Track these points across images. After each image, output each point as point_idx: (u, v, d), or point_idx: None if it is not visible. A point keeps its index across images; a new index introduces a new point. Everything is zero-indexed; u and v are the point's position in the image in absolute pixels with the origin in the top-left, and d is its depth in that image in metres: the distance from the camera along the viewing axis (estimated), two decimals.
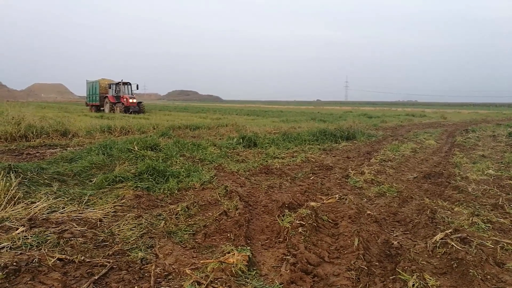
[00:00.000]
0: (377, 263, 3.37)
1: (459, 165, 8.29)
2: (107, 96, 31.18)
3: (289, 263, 3.20)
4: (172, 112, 34.24)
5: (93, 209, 4.45)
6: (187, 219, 4.36)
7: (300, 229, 3.81)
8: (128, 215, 4.30)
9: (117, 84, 30.67)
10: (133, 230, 3.92)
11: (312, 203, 4.79)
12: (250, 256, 3.27)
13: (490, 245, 3.74)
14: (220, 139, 11.19)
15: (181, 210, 4.53)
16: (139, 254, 3.33)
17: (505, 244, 3.82)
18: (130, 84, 30.91)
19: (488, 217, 4.62)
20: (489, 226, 4.35)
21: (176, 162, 7.04)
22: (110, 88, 31.23)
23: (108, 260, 3.17)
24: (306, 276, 3.02)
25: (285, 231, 3.88)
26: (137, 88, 31.41)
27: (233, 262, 3.10)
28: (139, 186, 5.36)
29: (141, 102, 31.21)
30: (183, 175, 6.12)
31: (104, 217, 4.23)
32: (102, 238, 3.68)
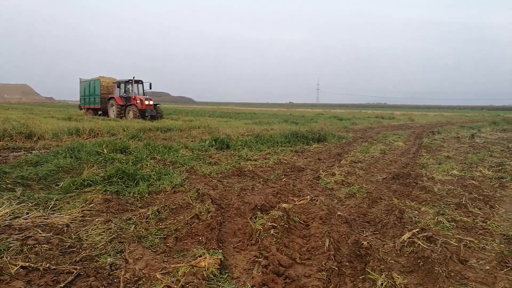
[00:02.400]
0: (347, 263, 3.43)
1: (425, 166, 8.56)
2: (112, 97, 25.41)
3: (261, 265, 3.21)
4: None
5: (60, 214, 4.31)
6: (158, 223, 4.29)
7: (272, 231, 3.83)
8: (96, 219, 4.19)
9: (127, 82, 25.00)
10: (102, 235, 3.82)
11: (284, 205, 4.82)
12: (222, 259, 3.26)
13: (454, 243, 3.89)
14: (192, 141, 11.10)
15: (151, 214, 4.45)
16: (108, 259, 3.25)
17: (468, 241, 3.98)
18: (142, 82, 25.41)
19: (452, 216, 4.80)
20: (453, 225, 4.51)
21: (147, 165, 6.92)
22: (118, 87, 25.22)
23: (75, 266, 3.08)
24: (277, 278, 3.04)
25: (257, 233, 3.89)
26: (150, 88, 25.70)
27: (205, 265, 3.08)
28: (108, 190, 5.23)
29: (157, 104, 25.61)
30: (153, 178, 6.03)
31: (71, 222, 4.10)
32: (69, 244, 3.57)
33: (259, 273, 3.09)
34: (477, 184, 6.76)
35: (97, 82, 27.23)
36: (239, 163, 8.09)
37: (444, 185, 6.57)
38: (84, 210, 4.47)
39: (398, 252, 3.73)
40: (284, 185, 6.35)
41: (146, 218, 4.37)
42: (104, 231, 3.91)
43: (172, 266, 3.20)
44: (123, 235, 3.86)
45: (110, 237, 3.77)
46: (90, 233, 3.86)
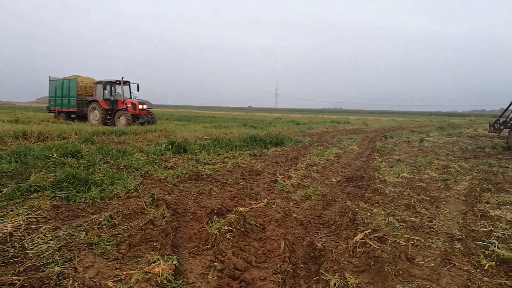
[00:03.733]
0: (302, 265, 3.48)
1: (378, 169, 8.89)
2: (93, 100, 22.01)
3: (216, 269, 3.19)
4: None
5: (2, 222, 4.05)
6: (111, 229, 4.15)
7: (228, 235, 3.82)
8: (43, 227, 3.98)
9: (114, 83, 21.95)
10: (49, 243, 3.64)
11: (241, 208, 4.83)
12: (176, 264, 3.21)
13: (403, 243, 4.07)
14: (147, 145, 10.84)
15: (104, 220, 4.30)
16: (56, 268, 3.10)
17: (415, 241, 4.18)
18: (129, 83, 22.23)
19: (402, 217, 5.02)
20: (403, 225, 4.72)
21: (100, 169, 6.68)
22: (104, 88, 21.88)
23: (18, 277, 2.90)
24: (233, 282, 3.03)
25: (213, 238, 3.87)
26: (138, 90, 22.31)
27: (159, 271, 3.01)
28: (57, 196, 5.00)
29: (150, 108, 23.22)
30: (106, 183, 5.83)
31: (15, 231, 3.87)
32: (12, 253, 3.36)
33: (214, 277, 3.07)
34: (425, 186, 7.12)
35: (73, 82, 23.56)
36: (197, 167, 8.01)
37: (395, 187, 6.85)
38: (30, 217, 4.24)
39: (351, 252, 3.84)
40: (241, 188, 6.36)
41: (98, 225, 4.21)
42: (51, 239, 3.73)
43: (124, 273, 3.10)
44: (73, 243, 3.70)
45: (58, 245, 3.60)
46: (36, 241, 3.66)
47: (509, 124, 15.20)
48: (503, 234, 4.37)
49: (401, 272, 3.38)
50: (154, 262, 3.21)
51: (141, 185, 6.09)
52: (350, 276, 3.23)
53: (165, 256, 3.32)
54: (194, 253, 3.76)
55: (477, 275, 3.41)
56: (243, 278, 3.15)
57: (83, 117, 23.25)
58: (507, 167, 9.78)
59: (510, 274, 3.42)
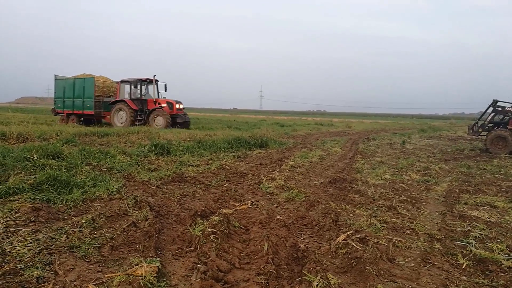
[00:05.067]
0: (285, 266, 3.51)
1: (361, 170, 9.01)
2: (119, 101, 20.11)
3: (199, 271, 3.19)
4: None
5: None
6: (93, 232, 4.10)
7: (211, 237, 3.83)
8: (23, 230, 3.90)
9: (145, 81, 20.35)
10: (28, 246, 3.56)
11: (225, 210, 4.84)
12: (159, 267, 3.19)
13: (384, 243, 4.14)
14: (130, 146, 10.72)
15: (85, 222, 4.25)
16: (35, 272, 3.05)
17: (396, 241, 4.26)
18: (157, 82, 20.41)
19: (383, 218, 5.10)
20: (384, 226, 4.80)
21: (81, 171, 6.58)
22: (133, 88, 20.25)
23: None
24: (216, 283, 3.04)
25: (196, 240, 3.86)
26: (165, 90, 20.74)
27: (142, 274, 3.00)
28: (37, 198, 4.90)
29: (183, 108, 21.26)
30: (88, 185, 5.75)
31: None
32: None
33: (197, 279, 3.07)
34: (406, 188, 7.25)
35: (90, 81, 20.96)
36: (180, 169, 7.97)
37: (377, 189, 6.96)
38: (8, 220, 4.14)
39: (334, 253, 3.89)
40: (225, 190, 6.35)
41: (80, 227, 4.15)
42: (31, 242, 3.65)
43: (106, 276, 3.07)
44: (53, 246, 3.64)
45: (38, 248, 3.53)
46: (15, 244, 3.58)
47: (487, 127, 15.60)
48: (480, 234, 4.50)
49: (382, 272, 3.44)
50: (137, 264, 3.19)
51: (124, 187, 6.03)
52: (333, 277, 3.28)
53: (148, 259, 3.30)
54: (178, 255, 3.74)
55: (455, 274, 3.50)
56: (226, 279, 3.16)
57: (98, 120, 21.65)
58: (485, 169, 10.05)
59: (487, 273, 3.52)
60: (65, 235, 3.90)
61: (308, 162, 9.99)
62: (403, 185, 7.45)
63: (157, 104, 20.00)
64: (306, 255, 3.69)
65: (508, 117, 14.86)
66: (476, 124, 16.31)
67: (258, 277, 3.21)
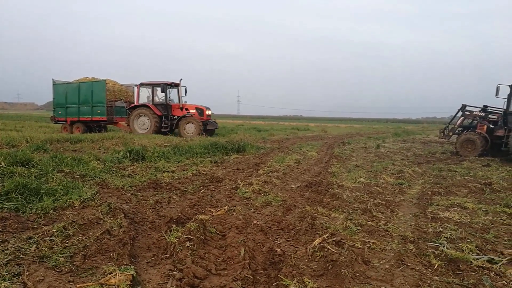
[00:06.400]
0: (262, 271, 3.51)
1: (336, 174, 9.11)
2: (141, 106, 18.94)
3: (175, 278, 3.15)
4: (50, 123, 29.04)
5: None
6: (64, 241, 3.98)
7: (187, 243, 3.78)
8: None
9: (168, 85, 19.00)
10: None
11: (201, 216, 4.79)
12: (134, 275, 3.13)
13: (360, 246, 4.19)
14: (104, 152, 10.49)
15: (57, 231, 4.12)
16: (2, 284, 2.94)
17: (371, 244, 4.32)
18: (179, 86, 19.51)
19: (359, 221, 5.17)
20: (360, 229, 4.87)
21: (53, 178, 6.38)
22: (159, 91, 18.93)
23: None
24: None
25: (172, 247, 3.81)
26: (186, 93, 19.71)
27: (115, 283, 2.93)
28: (5, 207, 4.71)
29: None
30: (60, 193, 5.58)
31: None
32: None
33: (173, 286, 3.04)
34: (381, 190, 7.37)
35: (100, 85, 19.38)
36: (155, 175, 7.85)
37: (352, 192, 7.05)
38: None
39: (310, 257, 3.90)
40: (202, 196, 6.31)
41: (51, 236, 4.03)
42: None
43: (78, 286, 2.99)
44: (22, 256, 3.52)
45: (6, 259, 3.40)
46: None
47: (456, 131, 16.10)
48: (451, 234, 4.62)
49: (357, 274, 3.48)
50: (111, 273, 3.11)
51: (98, 194, 5.89)
52: (309, 280, 3.29)
53: (122, 267, 3.23)
54: (153, 262, 3.68)
55: (428, 274, 3.58)
56: (202, 286, 3.13)
57: (103, 127, 20.38)
58: (456, 171, 10.36)
59: (458, 272, 3.62)
60: (34, 245, 3.78)
61: (285, 166, 10.05)
62: (377, 188, 7.58)
63: (184, 110, 19.13)
64: (282, 259, 3.70)
65: (476, 121, 15.37)
66: (447, 128, 16.81)
67: (234, 282, 3.20)
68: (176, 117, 19.29)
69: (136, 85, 19.68)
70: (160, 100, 19.41)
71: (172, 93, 19.93)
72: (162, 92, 19.05)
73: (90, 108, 19.68)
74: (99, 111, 19.50)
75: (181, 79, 19.32)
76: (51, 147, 10.98)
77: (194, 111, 19.20)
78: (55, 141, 12.54)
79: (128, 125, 19.52)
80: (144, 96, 19.62)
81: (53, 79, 20.95)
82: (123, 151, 9.88)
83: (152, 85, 19.32)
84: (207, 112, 19.40)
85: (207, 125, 19.17)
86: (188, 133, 18.35)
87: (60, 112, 20.82)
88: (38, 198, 5.23)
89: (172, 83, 19.38)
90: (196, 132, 18.20)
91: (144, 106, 19.05)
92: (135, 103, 19.54)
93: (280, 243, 4.39)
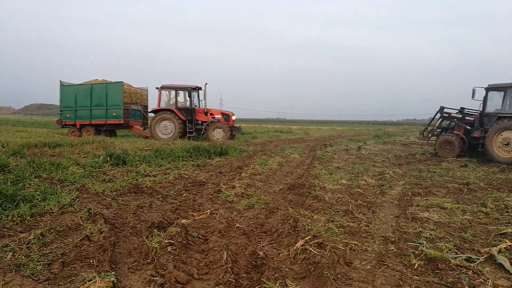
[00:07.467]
0: (244, 275, 3.49)
1: (318, 176, 9.17)
2: (163, 110, 18.25)
3: (156, 284, 3.10)
4: (28, 128, 26.64)
5: None
6: (42, 248, 3.89)
7: (169, 248, 3.74)
8: None
9: (193, 89, 18.63)
10: None
11: (183, 221, 4.76)
12: (114, 281, 3.08)
13: (342, 247, 4.22)
14: (84, 157, 10.31)
15: (34, 238, 4.02)
16: None
17: (353, 245, 4.35)
18: (199, 90, 19.19)
19: (340, 222, 5.21)
20: (341, 230, 4.90)
21: (30, 184, 6.23)
22: (189, 95, 18.51)
23: None
24: None
25: (153, 252, 3.76)
26: (204, 97, 19.45)
27: None
28: None
29: None
30: (38, 199, 5.45)
31: None
32: None
33: None
34: (362, 192, 7.45)
35: (117, 87, 18.51)
36: (137, 180, 7.75)
37: (334, 194, 7.11)
38: None
39: (292, 259, 3.91)
40: (184, 200, 6.25)
41: (27, 244, 3.92)
42: None
43: None
44: None
45: None
46: None
47: (435, 132, 16.44)
48: (430, 234, 4.71)
49: (339, 276, 3.50)
50: (90, 280, 3.05)
51: (77, 200, 5.77)
52: (292, 283, 3.30)
53: (102, 273, 3.17)
54: (134, 268, 3.62)
55: (408, 274, 3.63)
56: None
57: (112, 131, 19.53)
58: (435, 172, 10.57)
59: (437, 271, 3.68)
60: (10, 253, 3.67)
61: (268, 169, 10.06)
62: (359, 189, 7.66)
63: (208, 115, 18.86)
64: (265, 262, 3.70)
65: (454, 123, 15.73)
66: (426, 130, 17.14)
67: (217, 287, 3.17)
68: (200, 122, 19.10)
69: (157, 88, 18.94)
70: (183, 104, 19.01)
71: (196, 96, 19.68)
72: (189, 96, 18.67)
73: (105, 111, 18.80)
74: (115, 113, 18.64)
75: (206, 84, 18.66)
76: (29, 152, 10.70)
77: (220, 116, 19.00)
78: (32, 146, 12.22)
79: (145, 129, 19.07)
80: (163, 100, 19.00)
81: (60, 81, 19.93)
82: (103, 156, 9.72)
83: (176, 89, 18.77)
84: (233, 118, 19.36)
85: (233, 130, 19.28)
86: (216, 138, 18.20)
87: (68, 115, 19.73)
88: (14, 204, 5.09)
89: (197, 87, 18.98)
90: (225, 137, 18.14)
91: (167, 110, 18.42)
92: (157, 107, 18.77)
93: (262, 246, 4.39)
